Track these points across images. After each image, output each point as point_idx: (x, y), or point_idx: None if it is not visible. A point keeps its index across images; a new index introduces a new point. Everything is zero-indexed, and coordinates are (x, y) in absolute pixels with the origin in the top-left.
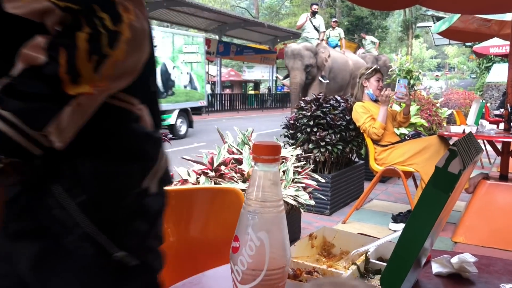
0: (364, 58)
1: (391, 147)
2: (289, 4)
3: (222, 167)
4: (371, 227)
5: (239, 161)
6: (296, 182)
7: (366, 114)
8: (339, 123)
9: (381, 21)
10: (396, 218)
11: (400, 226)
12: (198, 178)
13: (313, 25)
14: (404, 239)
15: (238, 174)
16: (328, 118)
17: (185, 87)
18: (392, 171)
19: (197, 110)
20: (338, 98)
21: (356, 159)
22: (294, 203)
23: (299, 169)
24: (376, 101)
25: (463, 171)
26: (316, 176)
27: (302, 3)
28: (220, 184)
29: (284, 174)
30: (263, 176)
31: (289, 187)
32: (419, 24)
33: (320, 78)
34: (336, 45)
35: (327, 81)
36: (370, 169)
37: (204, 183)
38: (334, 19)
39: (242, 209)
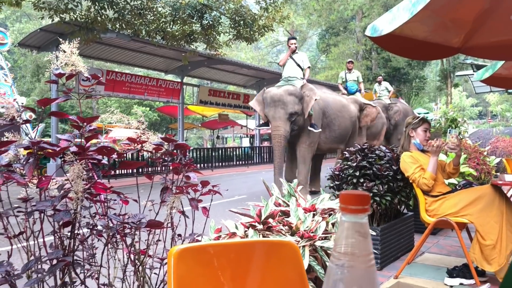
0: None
1: (442, 197)
2: (325, 58)
3: (270, 220)
4: (425, 282)
5: (286, 214)
6: None
7: (415, 164)
8: (386, 173)
9: (418, 71)
10: (451, 273)
11: (457, 281)
12: (246, 231)
13: (295, 62)
14: None
15: (286, 227)
16: (374, 169)
17: None
18: (445, 222)
19: None
20: (383, 148)
21: (405, 211)
22: None
23: None
24: (423, 151)
25: None
26: None
27: (338, 57)
28: (268, 237)
29: (333, 227)
30: (352, 227)
31: None
32: (458, 73)
33: (309, 127)
34: (357, 91)
35: (319, 130)
36: (421, 221)
37: (252, 236)
38: (349, 60)
39: (330, 262)
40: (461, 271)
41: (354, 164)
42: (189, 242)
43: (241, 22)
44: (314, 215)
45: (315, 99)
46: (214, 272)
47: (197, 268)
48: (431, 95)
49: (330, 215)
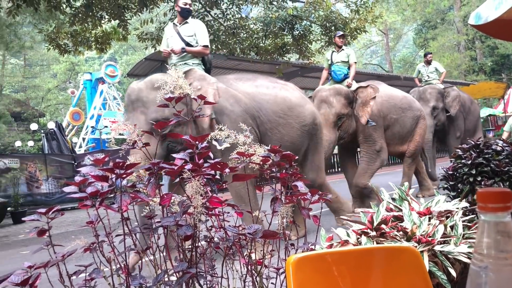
0: (423, 92)
1: None
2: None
3: (383, 226)
4: None
5: (399, 218)
6: (467, 238)
7: None
8: (506, 169)
9: None
10: None
11: None
12: (358, 238)
13: (181, 37)
14: None
15: (401, 232)
16: (492, 165)
17: None
18: None
19: None
20: (500, 142)
21: None
22: (468, 261)
23: (469, 223)
24: None
25: None
26: None
27: (438, 51)
28: (382, 243)
29: (452, 230)
30: (493, 227)
31: (460, 243)
32: None
33: (214, 142)
34: (345, 77)
35: (223, 145)
36: None
37: (366, 243)
38: (339, 33)
39: (472, 265)
40: None
41: (469, 162)
42: (303, 251)
43: (332, 27)
44: (430, 218)
45: (215, 94)
46: (333, 279)
47: (316, 276)
48: None
49: (447, 217)
